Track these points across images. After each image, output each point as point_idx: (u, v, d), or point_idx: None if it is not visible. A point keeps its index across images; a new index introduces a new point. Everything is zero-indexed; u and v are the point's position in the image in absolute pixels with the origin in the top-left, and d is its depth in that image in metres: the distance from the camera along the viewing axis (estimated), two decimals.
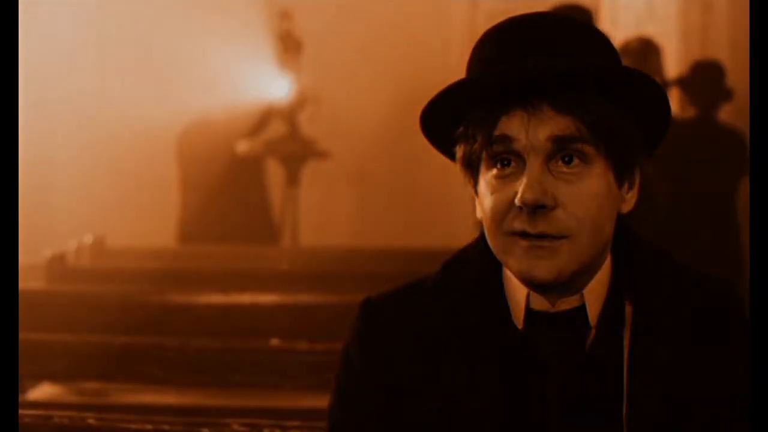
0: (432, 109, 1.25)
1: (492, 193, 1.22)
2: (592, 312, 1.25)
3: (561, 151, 1.19)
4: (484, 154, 1.22)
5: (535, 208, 1.18)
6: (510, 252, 1.22)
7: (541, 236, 1.19)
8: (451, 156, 1.29)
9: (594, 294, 1.25)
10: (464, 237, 1.44)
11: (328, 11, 6.61)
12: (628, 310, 1.26)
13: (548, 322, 1.25)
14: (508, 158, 1.21)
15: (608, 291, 1.26)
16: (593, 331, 1.25)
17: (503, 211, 1.21)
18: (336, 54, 6.71)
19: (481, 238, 1.29)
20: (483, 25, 1.30)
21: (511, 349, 1.25)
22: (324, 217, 6.91)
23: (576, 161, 1.20)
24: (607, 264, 1.27)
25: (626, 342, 1.24)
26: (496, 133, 1.20)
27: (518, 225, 1.20)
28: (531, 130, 1.19)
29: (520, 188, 1.19)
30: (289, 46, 6.31)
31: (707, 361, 1.23)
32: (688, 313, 1.25)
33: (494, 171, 1.22)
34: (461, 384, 1.25)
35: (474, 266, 1.30)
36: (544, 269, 1.20)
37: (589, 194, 1.20)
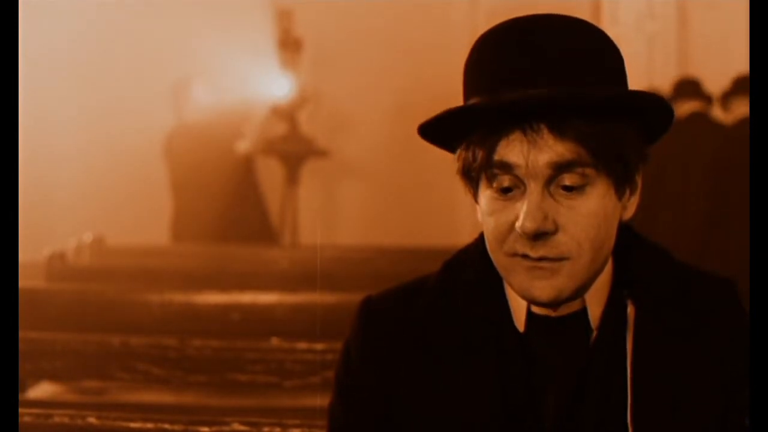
0: (429, 129, 1.22)
1: (492, 214, 1.21)
2: (594, 314, 1.25)
3: (561, 174, 1.17)
4: (483, 174, 1.21)
5: (537, 236, 1.18)
6: (511, 271, 1.21)
7: (542, 259, 1.19)
8: (453, 151, 1.28)
9: (596, 297, 1.25)
10: (465, 236, 1.43)
11: (328, 11, 6.60)
12: (630, 310, 1.25)
13: (550, 324, 1.25)
14: (508, 186, 1.19)
15: (610, 292, 1.26)
16: (595, 333, 1.25)
17: (504, 233, 1.20)
18: (336, 53, 6.71)
19: (482, 238, 1.29)
20: (483, 25, 1.29)
21: (512, 351, 1.25)
22: (324, 215, 6.91)
23: (576, 184, 1.18)
24: (608, 266, 1.26)
25: (629, 343, 1.24)
26: (496, 158, 1.18)
27: (519, 248, 1.19)
28: (531, 157, 1.16)
29: (521, 215, 1.17)
30: (289, 45, 6.31)
31: (709, 360, 1.23)
32: (690, 312, 1.25)
33: (494, 191, 1.20)
34: (460, 385, 1.25)
35: (475, 267, 1.30)
36: (544, 290, 1.19)
37: (589, 216, 1.18)
